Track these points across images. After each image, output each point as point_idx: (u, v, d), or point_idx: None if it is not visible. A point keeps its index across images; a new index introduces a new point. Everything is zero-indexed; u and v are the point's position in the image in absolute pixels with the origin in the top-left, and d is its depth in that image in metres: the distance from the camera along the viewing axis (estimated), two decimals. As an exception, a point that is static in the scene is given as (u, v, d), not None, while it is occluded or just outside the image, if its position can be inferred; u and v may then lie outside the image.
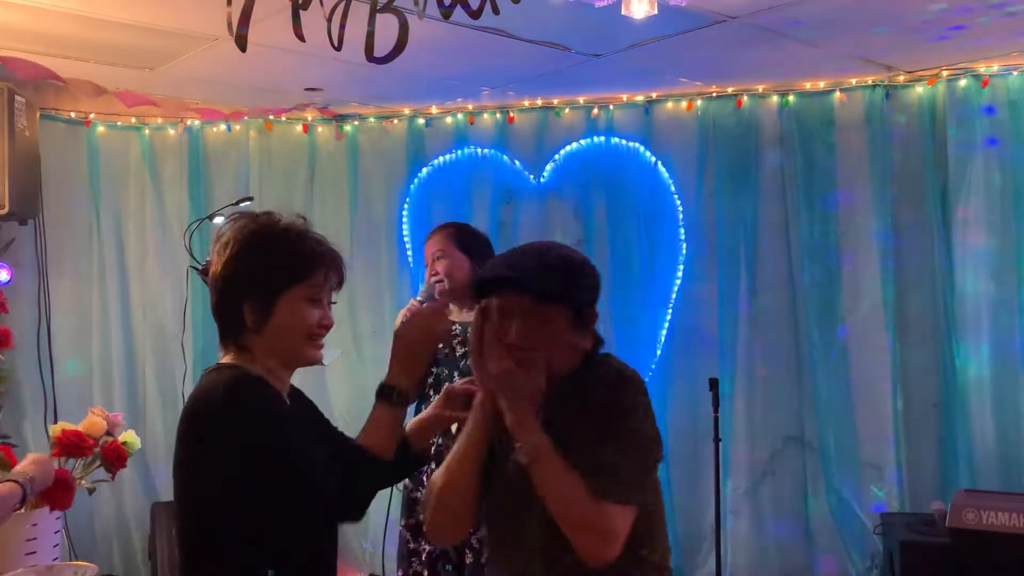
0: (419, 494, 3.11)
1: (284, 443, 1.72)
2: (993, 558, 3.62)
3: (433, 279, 3.28)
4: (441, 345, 3.18)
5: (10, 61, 3.79)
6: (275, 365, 1.85)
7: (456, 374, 3.15)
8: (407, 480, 3.17)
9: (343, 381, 5.01)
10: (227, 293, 1.83)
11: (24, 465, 2.39)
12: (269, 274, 1.82)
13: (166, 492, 4.71)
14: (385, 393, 1.98)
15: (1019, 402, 4.28)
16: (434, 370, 3.22)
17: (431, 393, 3.17)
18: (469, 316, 3.01)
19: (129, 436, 3.32)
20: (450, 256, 3.28)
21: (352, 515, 1.84)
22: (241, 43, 2.31)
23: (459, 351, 3.18)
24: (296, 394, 1.97)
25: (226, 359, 1.86)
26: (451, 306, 3.29)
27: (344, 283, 1.96)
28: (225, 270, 1.84)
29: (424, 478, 3.09)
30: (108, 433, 3.28)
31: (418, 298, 3.26)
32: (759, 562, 4.62)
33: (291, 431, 1.75)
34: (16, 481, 2.28)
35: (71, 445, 3.13)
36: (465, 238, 3.33)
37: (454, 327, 3.23)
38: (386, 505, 5.13)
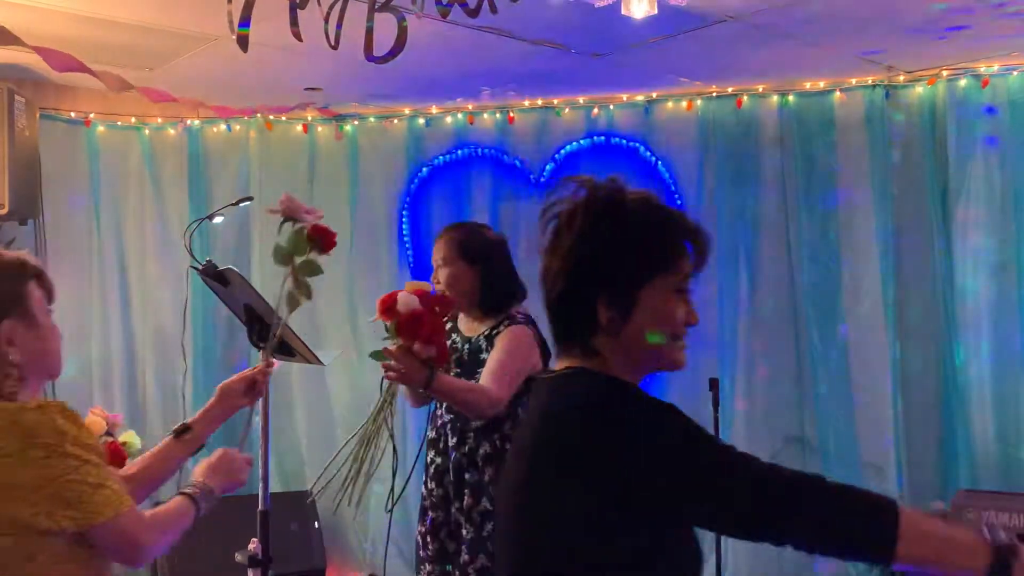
0: (428, 503, 3.06)
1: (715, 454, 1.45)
2: (993, 558, 3.62)
3: (437, 287, 2.95)
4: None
5: (43, 51, 3.75)
6: (629, 372, 1.54)
7: None
8: (423, 488, 3.11)
9: (343, 381, 5.00)
10: (576, 285, 1.48)
11: (199, 472, 2.02)
12: (635, 261, 1.47)
13: (166, 492, 4.71)
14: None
15: (1019, 402, 4.28)
16: None
17: (436, 406, 3.05)
18: (473, 329, 2.97)
19: (129, 436, 3.32)
20: (452, 264, 2.95)
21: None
22: (242, 43, 2.31)
23: (453, 371, 2.93)
24: None
25: (568, 363, 1.51)
26: (461, 316, 3.04)
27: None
28: (572, 256, 1.49)
29: (433, 486, 3.05)
30: (108, 433, 3.28)
31: None
32: (759, 563, 4.61)
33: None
34: (187, 494, 1.95)
35: None
36: (472, 244, 2.97)
37: (456, 340, 3.00)
38: (386, 505, 5.13)
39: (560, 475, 1.37)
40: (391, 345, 2.62)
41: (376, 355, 2.65)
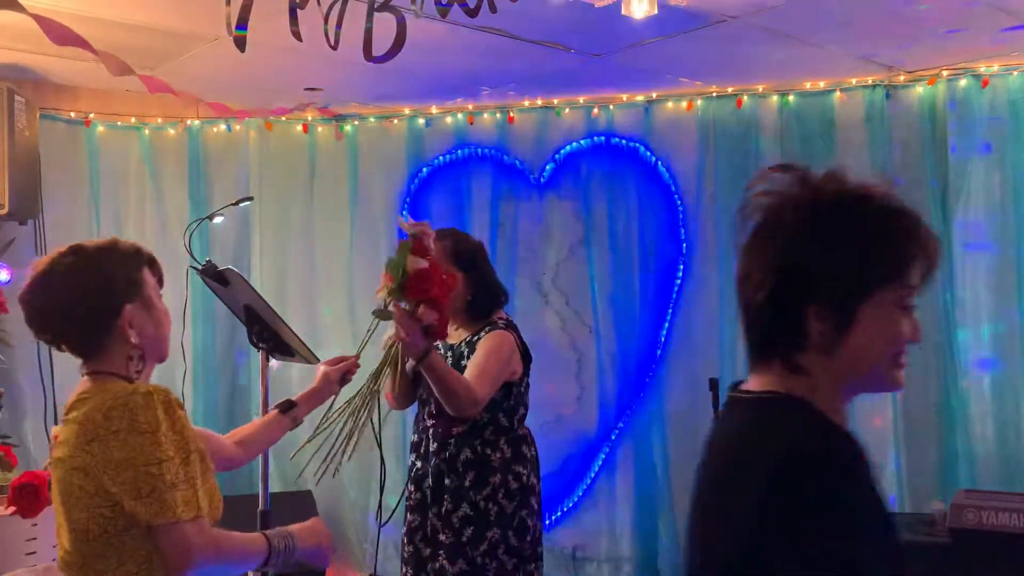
0: (408, 506, 3.05)
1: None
2: (993, 558, 3.62)
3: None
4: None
5: (41, 20, 3.72)
6: (839, 396, 1.32)
7: (433, 400, 2.91)
8: (409, 487, 3.11)
9: (343, 381, 5.01)
10: (784, 292, 1.28)
11: (296, 527, 1.96)
12: (862, 269, 1.26)
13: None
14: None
15: (1019, 402, 4.28)
16: (420, 390, 3.03)
17: (419, 410, 3.08)
18: (455, 336, 2.97)
19: (129, 436, 3.32)
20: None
21: None
22: (240, 44, 2.31)
23: None
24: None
25: (767, 381, 1.37)
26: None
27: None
28: (782, 259, 1.28)
29: (413, 489, 3.05)
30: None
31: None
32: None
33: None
34: (267, 536, 1.90)
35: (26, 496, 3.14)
36: (461, 251, 2.98)
37: (438, 346, 2.91)
38: (388, 506, 5.14)
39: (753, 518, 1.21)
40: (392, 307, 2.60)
41: (380, 314, 2.63)
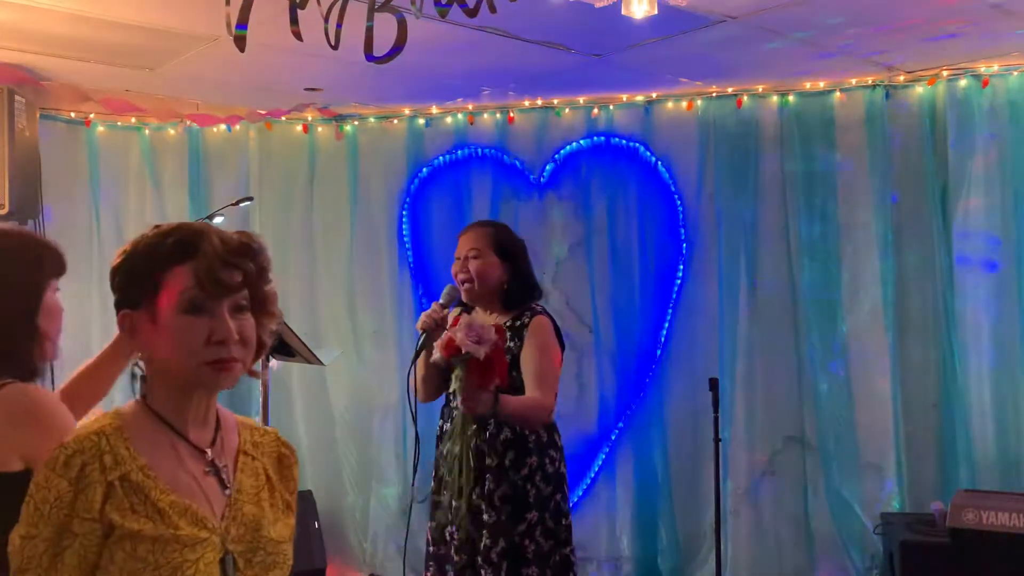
0: (441, 497, 3.08)
1: None
2: (993, 558, 3.62)
3: (461, 278, 3.07)
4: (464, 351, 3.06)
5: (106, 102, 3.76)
6: None
7: None
8: (433, 484, 3.14)
9: (343, 381, 5.01)
10: None
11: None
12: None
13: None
14: None
15: (1019, 402, 4.28)
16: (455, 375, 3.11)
17: (451, 399, 3.07)
18: (491, 321, 3.01)
19: (129, 436, 3.31)
20: (485, 257, 3.06)
21: None
22: (240, 44, 2.31)
23: None
24: None
25: None
26: (477, 310, 3.07)
27: None
28: None
29: (443, 482, 3.07)
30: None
31: (440, 301, 3.04)
32: (759, 562, 4.61)
33: None
34: None
35: None
36: (504, 240, 3.11)
37: None
38: (390, 505, 5.13)
39: None
40: (456, 383, 2.73)
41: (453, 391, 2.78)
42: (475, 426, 2.90)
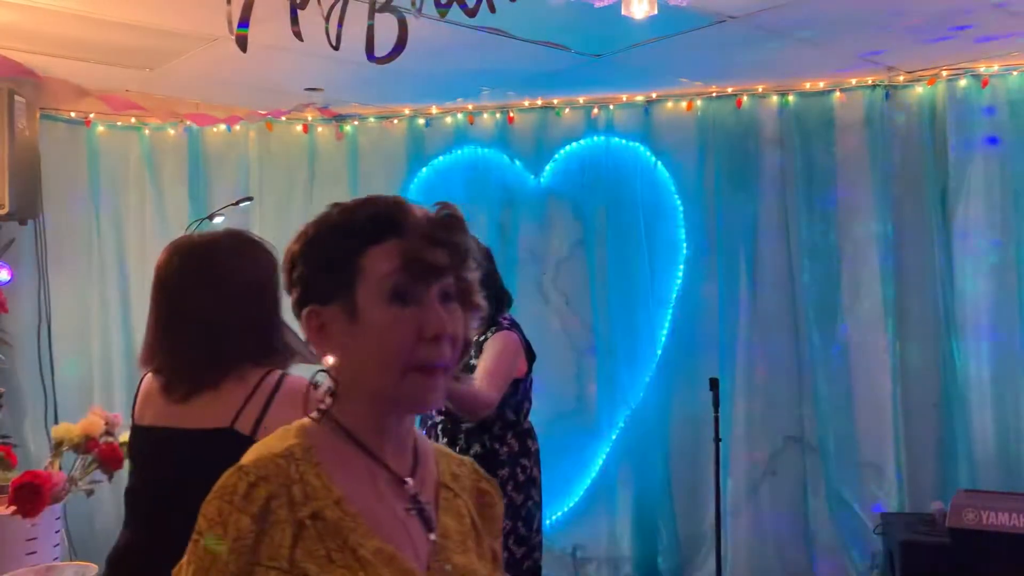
0: None
1: None
2: (993, 558, 3.62)
3: None
4: None
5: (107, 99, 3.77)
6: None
7: None
8: None
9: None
10: None
11: None
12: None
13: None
14: None
15: (1019, 402, 4.28)
16: None
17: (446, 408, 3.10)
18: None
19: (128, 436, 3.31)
20: None
21: None
22: (242, 43, 2.31)
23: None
24: None
25: None
26: None
27: None
28: None
29: None
30: (108, 433, 3.28)
31: None
32: (759, 562, 4.62)
33: None
34: None
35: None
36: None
37: None
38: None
39: None
40: None
41: None
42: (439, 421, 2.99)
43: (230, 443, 1.58)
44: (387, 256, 1.12)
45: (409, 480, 1.18)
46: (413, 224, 1.14)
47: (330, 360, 1.17)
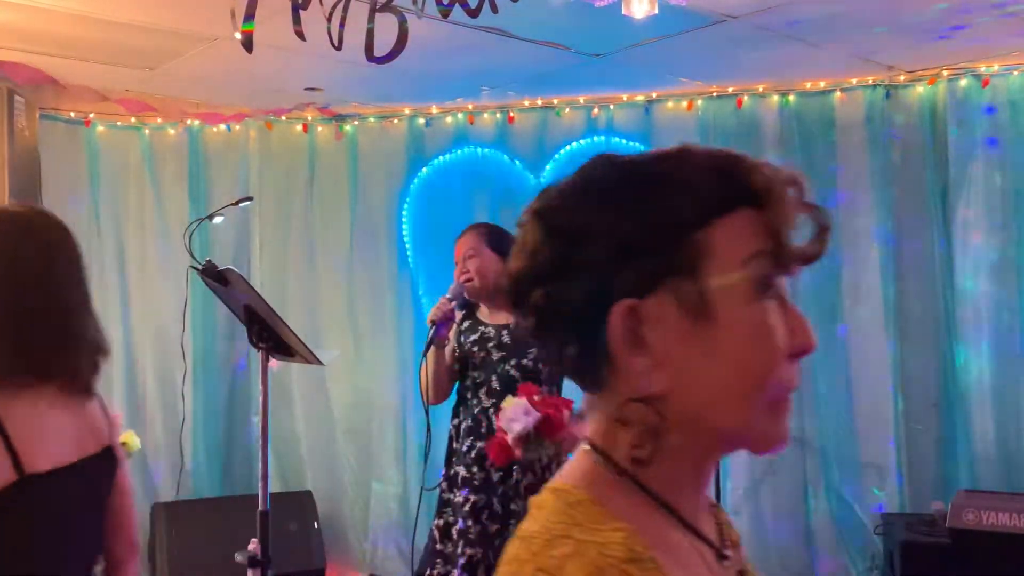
0: (452, 495, 3.12)
1: None
2: (993, 558, 3.63)
3: (463, 277, 3.23)
4: (476, 349, 3.16)
5: (7, 65, 3.78)
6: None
7: (494, 378, 3.13)
8: (441, 481, 3.19)
9: (342, 381, 5.01)
10: None
11: None
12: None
13: (165, 492, 4.72)
14: None
15: (1019, 402, 4.28)
16: (472, 374, 3.20)
17: (469, 396, 3.18)
18: (501, 319, 3.16)
19: (128, 437, 3.32)
20: (481, 255, 3.22)
21: None
22: (247, 43, 2.31)
23: (495, 355, 3.14)
24: None
25: None
26: (482, 307, 3.27)
27: None
28: None
29: (476, 470, 3.10)
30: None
31: (447, 296, 3.21)
32: (759, 562, 4.59)
33: None
34: None
35: None
36: (497, 238, 3.27)
37: (487, 329, 3.20)
38: (390, 505, 5.12)
39: None
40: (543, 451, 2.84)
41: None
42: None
43: None
44: (748, 230, 0.80)
45: (729, 553, 0.86)
46: (783, 190, 0.84)
47: (647, 383, 0.78)
